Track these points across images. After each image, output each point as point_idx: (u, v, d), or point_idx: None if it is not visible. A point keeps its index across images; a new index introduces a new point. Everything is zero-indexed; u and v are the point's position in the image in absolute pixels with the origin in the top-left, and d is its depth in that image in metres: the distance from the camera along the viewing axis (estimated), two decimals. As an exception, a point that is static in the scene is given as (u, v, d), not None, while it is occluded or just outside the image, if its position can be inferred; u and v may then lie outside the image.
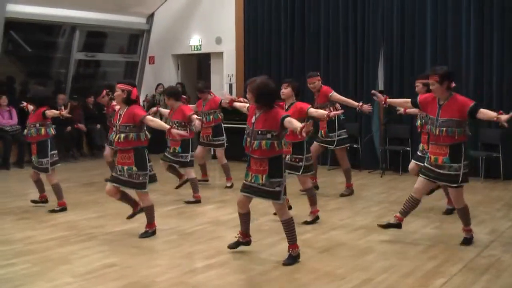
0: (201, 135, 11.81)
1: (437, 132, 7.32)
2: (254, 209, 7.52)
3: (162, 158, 10.51)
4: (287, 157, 8.48)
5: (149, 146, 8.05)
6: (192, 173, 10.46)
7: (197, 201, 10.36)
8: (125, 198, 8.33)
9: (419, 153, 9.25)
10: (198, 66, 18.83)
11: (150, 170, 8.01)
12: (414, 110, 8.74)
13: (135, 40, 18.08)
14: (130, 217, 8.46)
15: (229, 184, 11.72)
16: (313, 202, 8.86)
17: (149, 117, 7.93)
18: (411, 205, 7.70)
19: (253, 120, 6.86)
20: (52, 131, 9.65)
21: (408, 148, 13.18)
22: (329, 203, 10.14)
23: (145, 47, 17.99)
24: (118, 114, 8.05)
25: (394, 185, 11.98)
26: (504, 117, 7.00)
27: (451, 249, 7.42)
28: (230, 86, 16.07)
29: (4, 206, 10.06)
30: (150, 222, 8.19)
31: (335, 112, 9.05)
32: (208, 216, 9.41)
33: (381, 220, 8.59)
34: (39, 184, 9.92)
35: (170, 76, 17.50)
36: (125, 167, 7.89)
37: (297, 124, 6.51)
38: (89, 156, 15.98)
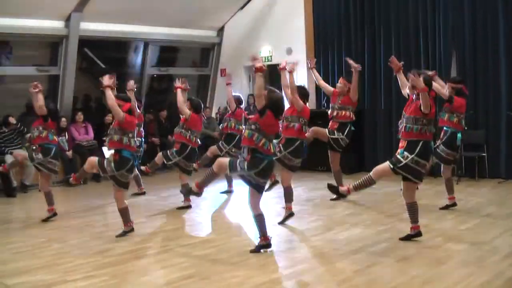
0: None
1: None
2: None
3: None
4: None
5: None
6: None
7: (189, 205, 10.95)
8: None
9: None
10: (270, 77, 18.82)
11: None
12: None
13: (206, 53, 18.24)
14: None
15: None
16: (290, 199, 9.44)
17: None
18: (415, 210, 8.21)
19: None
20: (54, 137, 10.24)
21: (484, 154, 12.91)
22: (404, 211, 10.00)
23: (217, 60, 18.13)
24: None
25: (471, 191, 11.75)
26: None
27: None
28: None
29: (83, 220, 10.26)
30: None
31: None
32: (284, 227, 9.33)
33: (459, 228, 8.47)
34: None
35: (242, 88, 17.55)
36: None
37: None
38: (163, 169, 16.08)
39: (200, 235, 8.81)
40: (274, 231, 8.69)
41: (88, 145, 14.75)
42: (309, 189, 12.28)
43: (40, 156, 10.07)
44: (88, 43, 15.46)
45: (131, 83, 11.39)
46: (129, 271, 7.21)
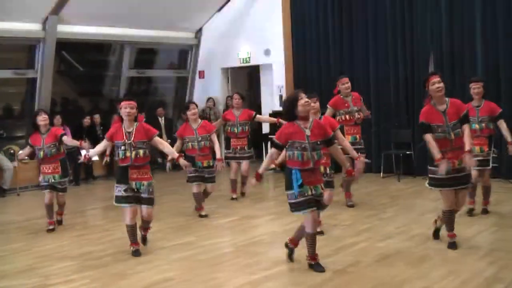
0: (232, 147, 11.82)
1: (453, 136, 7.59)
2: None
3: (193, 180, 10.29)
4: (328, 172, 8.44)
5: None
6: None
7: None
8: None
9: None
10: (248, 78, 18.86)
11: None
12: None
13: (184, 55, 18.24)
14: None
15: (235, 196, 11.82)
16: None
17: (159, 139, 8.06)
18: (450, 219, 7.72)
19: (307, 133, 6.71)
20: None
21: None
22: (385, 211, 10.07)
23: (195, 62, 18.12)
24: (126, 132, 7.89)
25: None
26: None
27: (510, 254, 7.28)
28: (280, 97, 16.00)
29: (63, 223, 10.23)
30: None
31: None
32: (264, 228, 9.42)
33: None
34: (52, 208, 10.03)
35: (220, 90, 17.60)
36: (145, 182, 7.93)
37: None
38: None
39: (180, 238, 8.79)
40: (254, 233, 8.74)
41: (66, 148, 14.64)
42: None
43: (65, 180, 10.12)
44: (65, 45, 15.40)
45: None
46: (110, 274, 7.18)
